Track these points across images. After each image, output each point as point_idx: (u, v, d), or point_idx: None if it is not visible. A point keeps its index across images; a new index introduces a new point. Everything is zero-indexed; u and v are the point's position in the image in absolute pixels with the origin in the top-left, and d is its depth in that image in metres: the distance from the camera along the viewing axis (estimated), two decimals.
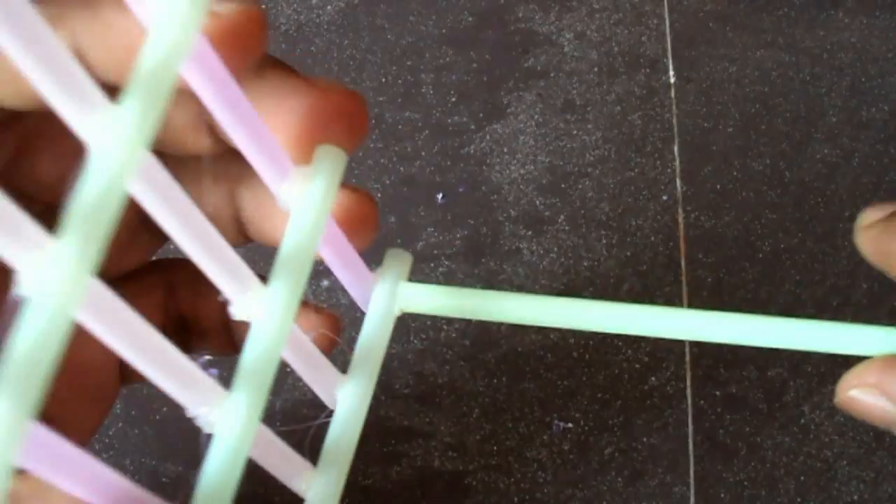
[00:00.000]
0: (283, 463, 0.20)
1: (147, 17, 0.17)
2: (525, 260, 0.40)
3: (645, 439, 0.36)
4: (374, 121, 0.44)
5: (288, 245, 0.20)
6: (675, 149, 0.43)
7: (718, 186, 0.42)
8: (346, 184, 0.21)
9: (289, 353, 0.21)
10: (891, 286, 0.39)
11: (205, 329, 0.26)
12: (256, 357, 0.19)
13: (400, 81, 0.45)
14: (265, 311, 0.19)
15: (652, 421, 0.36)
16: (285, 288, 0.20)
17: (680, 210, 0.42)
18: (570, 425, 0.36)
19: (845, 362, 0.39)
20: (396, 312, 0.24)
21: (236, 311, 0.19)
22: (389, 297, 0.23)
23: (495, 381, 0.37)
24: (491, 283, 0.40)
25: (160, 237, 0.24)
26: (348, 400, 0.22)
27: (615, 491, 0.35)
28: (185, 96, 0.19)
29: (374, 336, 0.23)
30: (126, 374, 0.24)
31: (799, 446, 0.36)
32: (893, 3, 0.47)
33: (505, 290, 0.39)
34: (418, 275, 0.39)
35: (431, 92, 0.45)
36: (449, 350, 0.38)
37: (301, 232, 0.20)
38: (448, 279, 0.40)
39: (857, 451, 0.36)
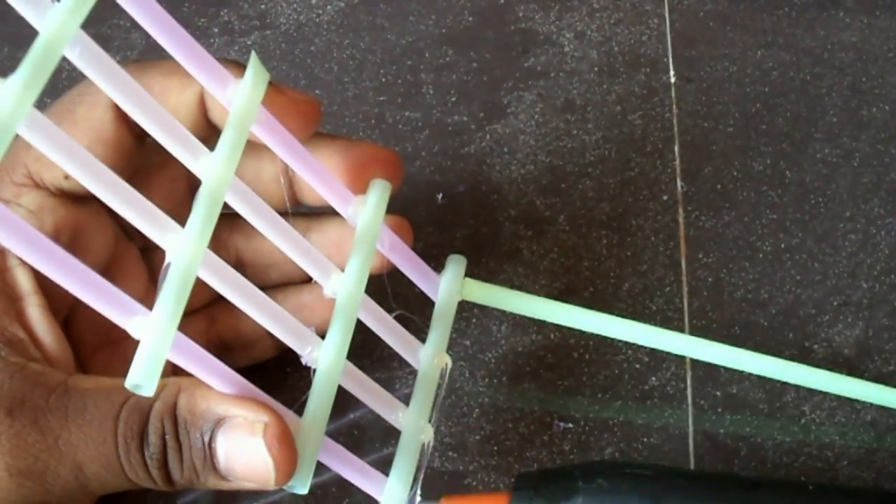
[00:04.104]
0: (381, 401, 0.31)
1: (227, 97, 0.28)
2: (525, 260, 0.40)
3: (645, 439, 0.36)
4: (373, 121, 0.44)
5: (357, 235, 0.31)
6: (676, 149, 0.43)
7: (719, 186, 0.42)
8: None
9: (385, 332, 0.32)
10: (891, 286, 0.39)
11: (249, 340, 0.36)
12: (341, 307, 0.29)
13: (400, 81, 0.45)
14: (344, 287, 0.30)
15: (652, 421, 0.36)
16: (359, 261, 0.30)
17: (680, 210, 0.42)
18: (570, 425, 0.36)
19: (845, 363, 0.40)
20: (458, 299, 0.35)
21: (327, 291, 0.30)
22: (454, 287, 0.35)
23: (495, 381, 0.37)
24: (491, 283, 0.40)
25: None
26: (427, 360, 0.33)
27: None
28: (269, 157, 0.32)
29: (443, 316, 0.34)
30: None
31: (799, 447, 0.36)
32: (894, 3, 0.47)
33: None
34: None
35: (431, 92, 0.45)
36: (449, 350, 0.38)
37: (364, 227, 0.31)
38: None
39: (858, 452, 0.36)
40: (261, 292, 0.27)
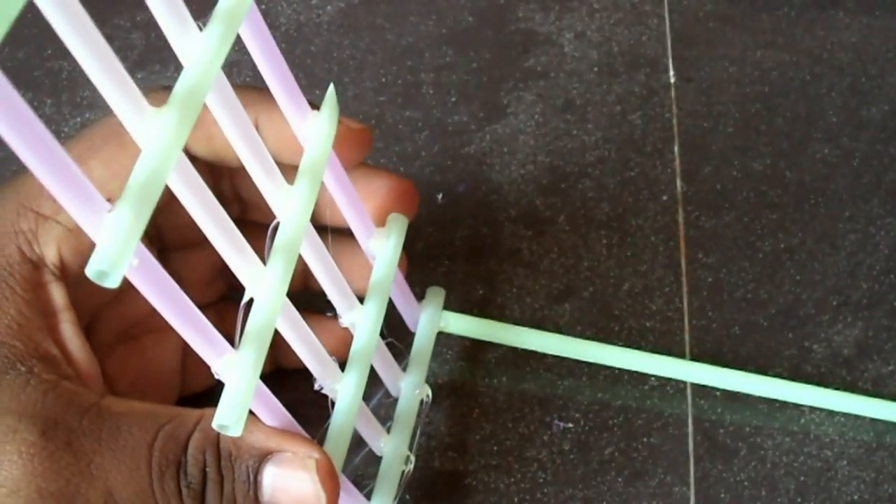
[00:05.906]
0: (372, 429, 0.32)
1: (303, 131, 0.28)
2: (525, 260, 0.40)
3: (645, 439, 0.36)
4: (374, 121, 0.44)
5: (375, 279, 0.32)
6: (675, 149, 0.43)
7: (718, 186, 0.42)
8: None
9: (376, 359, 0.32)
10: (891, 286, 0.39)
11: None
12: (360, 350, 0.30)
13: (400, 81, 0.45)
14: (363, 321, 0.31)
15: (652, 421, 0.36)
16: (375, 306, 0.31)
17: (680, 210, 0.42)
18: (570, 425, 0.36)
19: (844, 363, 0.40)
20: (437, 331, 0.35)
21: (344, 321, 0.31)
22: (433, 320, 0.35)
23: (495, 381, 0.37)
24: (491, 283, 0.40)
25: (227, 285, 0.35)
26: (408, 391, 0.34)
27: (615, 491, 0.35)
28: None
29: (422, 347, 0.35)
30: (186, 383, 0.35)
31: (799, 446, 0.36)
32: (893, 3, 0.47)
33: (505, 290, 0.39)
34: (419, 275, 0.39)
35: (431, 92, 0.45)
36: (449, 350, 0.38)
37: (382, 271, 0.32)
38: (448, 279, 0.40)
39: (857, 452, 0.36)
40: (309, 330, 0.28)
